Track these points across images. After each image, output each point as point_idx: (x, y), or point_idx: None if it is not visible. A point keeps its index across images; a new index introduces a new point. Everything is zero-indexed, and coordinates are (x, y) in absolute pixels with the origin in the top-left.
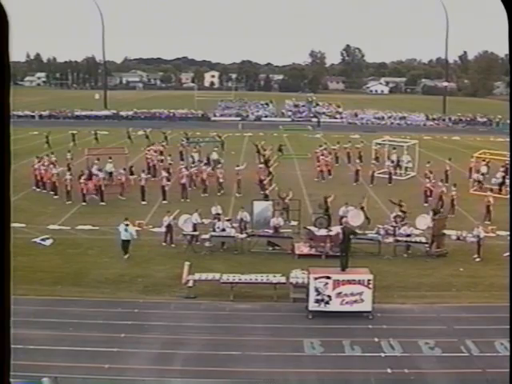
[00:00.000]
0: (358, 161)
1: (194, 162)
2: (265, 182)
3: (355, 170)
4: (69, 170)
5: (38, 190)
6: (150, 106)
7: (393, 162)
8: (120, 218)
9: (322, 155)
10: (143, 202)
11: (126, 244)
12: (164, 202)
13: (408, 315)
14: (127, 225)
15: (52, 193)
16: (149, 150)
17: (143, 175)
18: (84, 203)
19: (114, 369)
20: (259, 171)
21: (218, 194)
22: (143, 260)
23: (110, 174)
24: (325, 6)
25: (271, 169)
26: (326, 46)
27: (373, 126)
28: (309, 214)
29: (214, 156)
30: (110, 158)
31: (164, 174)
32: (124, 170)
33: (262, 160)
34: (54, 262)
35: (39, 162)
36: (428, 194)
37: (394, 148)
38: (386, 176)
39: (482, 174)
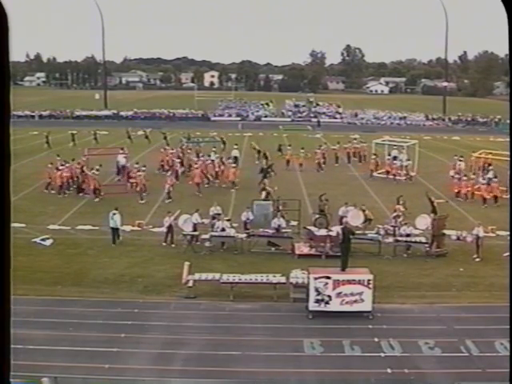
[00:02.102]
0: (372, 159)
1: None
2: (266, 183)
3: (372, 166)
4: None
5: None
6: (149, 106)
7: (395, 158)
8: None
9: (323, 155)
10: (141, 201)
11: (113, 232)
12: (168, 200)
13: (408, 315)
14: (114, 214)
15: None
16: (165, 150)
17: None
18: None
19: (114, 369)
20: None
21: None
22: (143, 260)
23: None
24: (325, 5)
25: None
26: (326, 45)
27: (373, 126)
28: (309, 214)
29: (235, 153)
30: (122, 149)
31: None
32: (144, 166)
33: (264, 161)
34: (54, 262)
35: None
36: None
37: (395, 146)
38: (385, 176)
39: (458, 172)
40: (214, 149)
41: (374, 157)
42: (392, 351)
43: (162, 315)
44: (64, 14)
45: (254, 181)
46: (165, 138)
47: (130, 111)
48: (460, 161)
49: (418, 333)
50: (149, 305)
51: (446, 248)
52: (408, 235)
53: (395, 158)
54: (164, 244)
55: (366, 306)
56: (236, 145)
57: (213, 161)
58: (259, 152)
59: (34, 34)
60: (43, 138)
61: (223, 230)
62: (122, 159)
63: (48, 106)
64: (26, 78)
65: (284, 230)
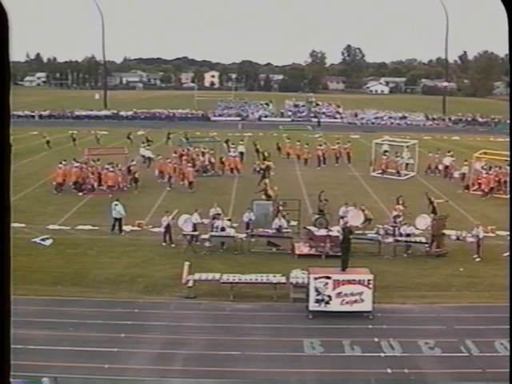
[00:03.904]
0: (384, 158)
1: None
2: (266, 183)
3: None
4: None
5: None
6: (149, 106)
7: (386, 152)
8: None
9: (323, 155)
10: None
11: (116, 221)
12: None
13: (408, 315)
14: (116, 204)
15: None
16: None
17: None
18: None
19: (113, 369)
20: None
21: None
22: (143, 260)
23: (149, 159)
24: (325, 6)
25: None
26: (326, 45)
27: (373, 126)
28: (309, 214)
29: (241, 149)
30: (146, 142)
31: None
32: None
33: (262, 159)
34: (54, 262)
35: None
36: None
37: (394, 145)
38: (383, 176)
39: (446, 167)
40: (232, 145)
41: (385, 157)
42: (392, 351)
43: (162, 315)
44: (64, 14)
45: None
46: (168, 138)
47: (130, 111)
48: (447, 156)
49: (418, 333)
50: (149, 305)
51: (445, 248)
52: (408, 235)
53: (386, 152)
54: (164, 244)
55: (366, 305)
56: (242, 140)
57: (235, 156)
58: (257, 151)
59: (34, 34)
60: (43, 138)
61: (223, 229)
62: (146, 152)
63: (48, 106)
64: (26, 78)
65: (285, 230)
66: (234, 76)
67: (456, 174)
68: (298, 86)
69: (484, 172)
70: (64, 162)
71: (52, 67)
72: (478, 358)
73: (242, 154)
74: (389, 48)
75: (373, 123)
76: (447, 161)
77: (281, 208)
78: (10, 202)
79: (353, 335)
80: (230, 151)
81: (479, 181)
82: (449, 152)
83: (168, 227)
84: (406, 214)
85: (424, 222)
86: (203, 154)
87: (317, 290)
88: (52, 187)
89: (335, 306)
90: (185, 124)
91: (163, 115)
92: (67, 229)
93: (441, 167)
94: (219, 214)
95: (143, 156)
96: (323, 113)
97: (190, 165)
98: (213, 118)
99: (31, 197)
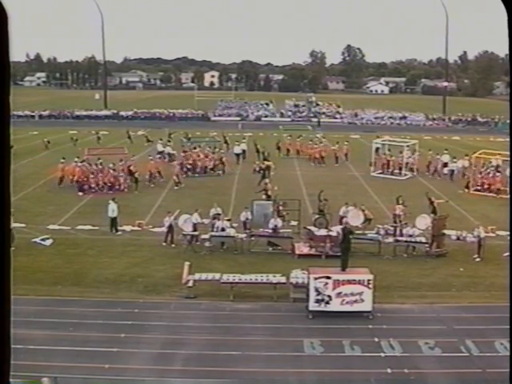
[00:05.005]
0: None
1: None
2: (266, 182)
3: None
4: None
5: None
6: (149, 106)
7: (377, 150)
8: (121, 217)
9: (321, 154)
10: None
11: (111, 221)
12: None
13: (408, 315)
14: (109, 203)
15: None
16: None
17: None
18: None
19: (114, 369)
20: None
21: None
22: (143, 260)
23: (170, 154)
24: (325, 5)
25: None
26: (326, 45)
27: (373, 126)
28: (309, 214)
29: (243, 147)
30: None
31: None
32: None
33: (262, 159)
34: (54, 262)
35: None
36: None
37: (392, 145)
38: (383, 176)
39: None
40: (236, 143)
41: (384, 155)
42: (392, 351)
43: (162, 315)
44: (64, 13)
45: (255, 178)
46: (169, 136)
47: (130, 111)
48: (444, 154)
49: (418, 333)
50: (149, 305)
51: (446, 248)
52: (409, 236)
53: (378, 149)
54: (164, 244)
55: (366, 305)
56: (244, 139)
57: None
58: (258, 151)
59: (34, 34)
60: (43, 138)
61: (223, 229)
62: (167, 148)
63: (48, 106)
64: (26, 78)
65: (281, 230)
66: (234, 76)
67: (445, 171)
68: (297, 86)
69: (483, 171)
70: (64, 160)
71: (52, 67)
72: (478, 358)
73: (244, 151)
74: (389, 48)
75: (373, 123)
76: (443, 159)
77: (281, 208)
78: (10, 201)
79: (353, 335)
80: (224, 149)
81: (480, 180)
82: (430, 150)
83: (170, 227)
84: (406, 213)
85: (424, 221)
86: (205, 154)
87: (317, 290)
88: (52, 187)
89: (335, 305)
90: (185, 124)
91: (163, 115)
92: (67, 229)
93: (438, 166)
94: (219, 214)
95: (161, 152)
96: (323, 113)
97: (176, 163)
98: (213, 118)
99: (31, 197)
